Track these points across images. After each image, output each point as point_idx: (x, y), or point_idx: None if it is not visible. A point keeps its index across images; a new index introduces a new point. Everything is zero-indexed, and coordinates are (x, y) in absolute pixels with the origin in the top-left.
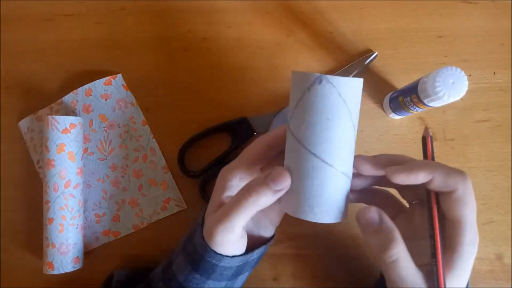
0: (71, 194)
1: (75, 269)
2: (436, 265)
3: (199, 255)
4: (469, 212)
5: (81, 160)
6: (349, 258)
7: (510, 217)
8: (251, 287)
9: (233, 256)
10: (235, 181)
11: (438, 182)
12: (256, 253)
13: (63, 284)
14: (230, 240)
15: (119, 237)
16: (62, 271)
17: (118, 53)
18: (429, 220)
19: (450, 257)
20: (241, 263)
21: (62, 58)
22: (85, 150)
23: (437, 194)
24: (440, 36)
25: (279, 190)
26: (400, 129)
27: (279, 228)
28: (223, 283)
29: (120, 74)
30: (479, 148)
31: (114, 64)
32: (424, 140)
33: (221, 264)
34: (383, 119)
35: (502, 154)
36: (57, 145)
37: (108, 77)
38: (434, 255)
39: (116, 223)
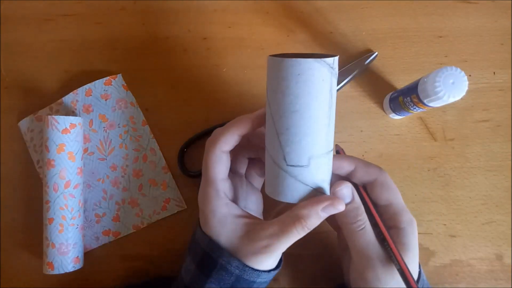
0: (71, 194)
1: (75, 269)
2: (389, 247)
3: (236, 276)
4: (394, 195)
5: (81, 160)
6: None
7: (510, 217)
8: None
9: (270, 271)
10: (225, 153)
11: (360, 172)
12: (266, 276)
13: (63, 284)
14: (275, 258)
15: (119, 237)
16: (62, 271)
17: (118, 53)
18: (366, 210)
19: (396, 236)
20: (271, 277)
21: (62, 58)
22: (85, 150)
23: (365, 187)
24: (440, 36)
25: (323, 216)
26: (400, 129)
27: None
28: None
29: (120, 74)
30: (479, 148)
31: (114, 64)
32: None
33: (259, 280)
34: (383, 119)
35: (502, 154)
36: (57, 145)
37: (108, 77)
38: (384, 239)
39: (116, 223)
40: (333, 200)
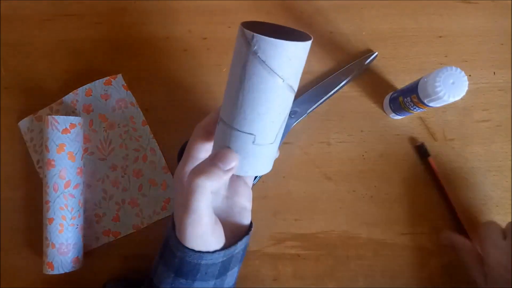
0: (71, 194)
1: (75, 269)
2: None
3: (179, 258)
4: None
5: (81, 160)
6: (349, 258)
7: (510, 217)
8: (251, 287)
9: (214, 252)
10: (196, 156)
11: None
12: (240, 245)
13: (63, 284)
14: (202, 233)
15: (119, 237)
16: (62, 271)
17: (118, 53)
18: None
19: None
20: (225, 258)
21: (62, 58)
22: (85, 150)
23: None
24: (440, 36)
25: (229, 170)
26: (400, 129)
27: (279, 228)
28: (211, 283)
29: (120, 74)
30: (479, 148)
31: (114, 64)
32: None
33: (203, 262)
34: (383, 119)
35: (502, 154)
36: (57, 145)
37: (108, 77)
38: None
39: (116, 223)
40: (218, 152)
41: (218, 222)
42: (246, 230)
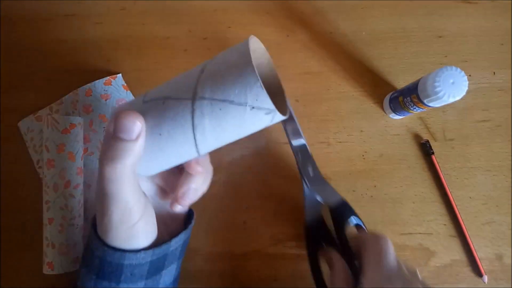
0: (71, 194)
1: (75, 269)
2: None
3: (98, 258)
4: None
5: (81, 160)
6: None
7: (510, 217)
8: (251, 287)
9: (139, 250)
10: None
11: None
12: (175, 242)
13: (63, 284)
14: (130, 225)
15: None
16: (62, 271)
17: (118, 53)
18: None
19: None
20: (154, 258)
21: (62, 58)
22: (85, 150)
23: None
24: (440, 36)
25: (138, 138)
26: (400, 129)
27: (279, 228)
28: (140, 284)
29: (120, 74)
30: (479, 148)
31: (114, 64)
32: None
33: (126, 262)
34: (383, 119)
35: (502, 154)
36: (57, 145)
37: (108, 77)
38: None
39: None
40: (117, 113)
41: (149, 209)
42: (184, 221)
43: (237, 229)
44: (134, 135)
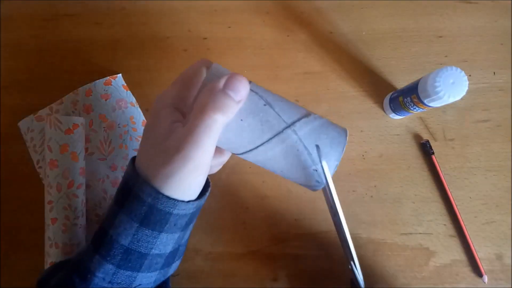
0: (74, 194)
1: None
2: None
3: (148, 205)
4: None
5: (84, 160)
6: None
7: (510, 217)
8: (251, 287)
9: (189, 201)
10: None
11: None
12: (205, 197)
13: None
14: (198, 180)
15: None
16: None
17: (118, 53)
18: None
19: None
20: (195, 210)
21: (62, 58)
22: (86, 150)
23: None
24: (440, 36)
25: (241, 101)
26: (400, 129)
27: (279, 228)
28: (176, 235)
29: (120, 74)
30: (479, 148)
31: (114, 64)
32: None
33: (175, 211)
34: (383, 119)
35: (502, 154)
36: (60, 145)
37: (108, 77)
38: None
39: None
40: (232, 74)
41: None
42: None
43: (237, 229)
44: (240, 98)
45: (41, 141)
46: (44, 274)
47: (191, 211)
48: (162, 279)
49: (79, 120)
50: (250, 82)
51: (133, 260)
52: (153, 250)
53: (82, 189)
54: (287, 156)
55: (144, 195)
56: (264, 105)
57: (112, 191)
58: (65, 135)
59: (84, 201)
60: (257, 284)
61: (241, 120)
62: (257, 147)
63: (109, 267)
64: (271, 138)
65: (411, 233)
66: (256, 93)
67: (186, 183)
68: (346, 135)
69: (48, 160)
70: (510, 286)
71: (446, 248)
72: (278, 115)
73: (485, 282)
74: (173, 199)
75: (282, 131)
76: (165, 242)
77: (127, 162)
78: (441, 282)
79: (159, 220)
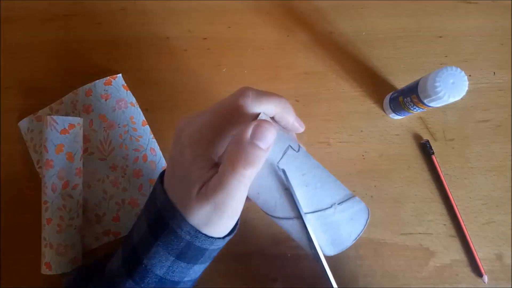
0: (69, 195)
1: (73, 269)
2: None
3: (186, 242)
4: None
5: (80, 160)
6: (349, 258)
7: (510, 217)
8: (251, 287)
9: (224, 237)
10: (214, 158)
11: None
12: (235, 230)
13: (62, 284)
14: (231, 224)
15: (119, 237)
16: (59, 272)
17: (118, 53)
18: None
19: None
20: (224, 244)
21: (62, 58)
22: (85, 150)
23: None
24: (440, 36)
25: (269, 148)
26: (400, 129)
27: (279, 228)
28: (206, 263)
29: (120, 74)
30: (479, 148)
31: (114, 64)
32: None
33: (212, 247)
34: (383, 119)
35: (502, 154)
36: (55, 146)
37: (108, 77)
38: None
39: (116, 223)
40: (258, 122)
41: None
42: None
43: (237, 229)
44: (268, 145)
45: (41, 141)
46: (69, 284)
47: (224, 244)
48: None
49: (76, 120)
50: (287, 153)
51: (167, 286)
52: (186, 278)
53: (78, 189)
54: (292, 232)
55: (183, 233)
56: (285, 189)
57: (112, 191)
58: (60, 135)
59: (81, 202)
60: (257, 284)
61: (258, 193)
62: (268, 214)
63: None
64: (280, 217)
65: (411, 233)
66: (285, 174)
67: (222, 227)
68: (353, 240)
69: (44, 160)
70: (510, 286)
71: (446, 248)
72: (294, 204)
73: (485, 282)
74: (211, 237)
75: (288, 219)
76: (197, 271)
77: (127, 162)
78: (441, 282)
79: (196, 254)
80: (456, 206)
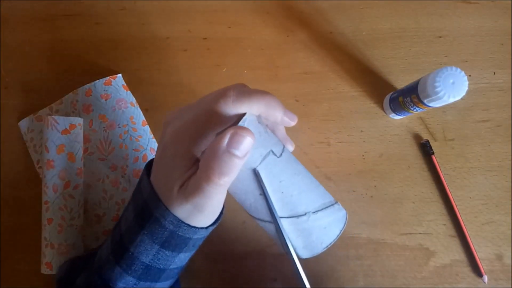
0: (70, 195)
1: None
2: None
3: (170, 231)
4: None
5: (81, 160)
6: (349, 258)
7: (510, 217)
8: (251, 287)
9: (208, 227)
10: (195, 155)
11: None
12: (219, 220)
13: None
14: (211, 218)
15: None
16: None
17: (118, 53)
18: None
19: None
20: (208, 233)
21: (62, 58)
22: (85, 150)
23: None
24: (440, 36)
25: (246, 155)
26: (400, 129)
27: None
28: (192, 252)
29: (120, 74)
30: (479, 148)
31: (114, 64)
32: None
33: (195, 236)
34: (383, 119)
35: (502, 154)
36: (56, 146)
37: (108, 77)
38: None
39: (116, 223)
40: (235, 129)
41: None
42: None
43: (237, 229)
44: (245, 153)
45: (41, 141)
46: (62, 273)
47: (208, 233)
48: (174, 281)
49: (77, 120)
50: (265, 160)
51: (153, 274)
52: (171, 266)
53: (79, 189)
54: (272, 236)
55: (166, 222)
56: (260, 194)
57: (112, 191)
58: (61, 135)
59: (82, 201)
60: (257, 284)
61: (234, 193)
62: (245, 208)
63: (130, 279)
64: (255, 218)
65: (411, 233)
66: (260, 179)
67: (203, 221)
68: (324, 248)
69: (45, 160)
70: (510, 286)
71: (446, 248)
72: (268, 208)
73: (485, 282)
74: (194, 227)
75: (264, 221)
76: (182, 259)
77: (127, 162)
78: (441, 282)
79: (179, 243)
80: (456, 206)
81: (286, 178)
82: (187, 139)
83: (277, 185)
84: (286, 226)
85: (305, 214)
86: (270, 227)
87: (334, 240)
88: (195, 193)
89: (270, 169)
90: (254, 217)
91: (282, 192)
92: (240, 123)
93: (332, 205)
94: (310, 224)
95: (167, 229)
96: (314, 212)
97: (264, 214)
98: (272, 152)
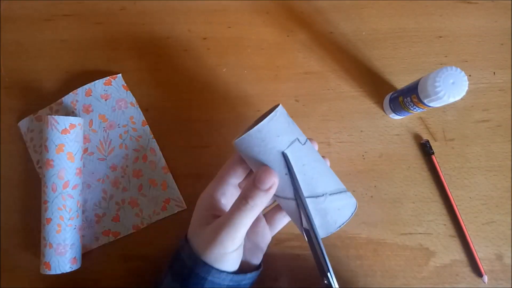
0: (69, 195)
1: (72, 269)
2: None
3: (188, 269)
4: None
5: (81, 160)
6: (349, 258)
7: (510, 217)
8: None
9: (223, 271)
10: (218, 200)
11: None
12: (249, 277)
13: (62, 284)
14: (228, 250)
15: (119, 237)
16: (59, 272)
17: (118, 53)
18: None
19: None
20: (231, 284)
21: (62, 58)
22: (85, 150)
23: None
24: (440, 36)
25: (269, 189)
26: (400, 129)
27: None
28: None
29: (120, 74)
30: (479, 148)
31: (114, 64)
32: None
33: (210, 278)
34: (383, 119)
35: (502, 154)
36: (56, 145)
37: (108, 77)
38: None
39: (116, 223)
40: (257, 172)
41: (241, 250)
42: (255, 268)
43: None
44: (268, 186)
45: (41, 141)
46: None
47: (226, 282)
48: None
49: (77, 120)
50: (293, 145)
51: None
52: None
53: (78, 189)
54: (289, 213)
55: (186, 259)
56: (286, 174)
57: (112, 191)
58: (61, 135)
59: (81, 202)
60: (257, 284)
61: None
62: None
63: None
64: (278, 196)
65: (411, 233)
66: (287, 159)
67: (217, 255)
68: (337, 227)
69: (44, 160)
70: (510, 286)
71: (446, 248)
72: (293, 187)
73: (485, 282)
74: (207, 264)
75: (287, 198)
76: None
77: (127, 162)
78: (441, 282)
79: (196, 283)
80: (456, 206)
81: (308, 163)
82: (208, 205)
83: (301, 168)
84: (308, 204)
85: (323, 195)
86: (291, 204)
87: (347, 220)
88: (226, 217)
89: (296, 153)
90: (277, 196)
91: (304, 174)
92: (273, 114)
93: (345, 191)
94: (326, 204)
95: (187, 266)
96: (330, 194)
97: (287, 192)
98: (298, 140)
